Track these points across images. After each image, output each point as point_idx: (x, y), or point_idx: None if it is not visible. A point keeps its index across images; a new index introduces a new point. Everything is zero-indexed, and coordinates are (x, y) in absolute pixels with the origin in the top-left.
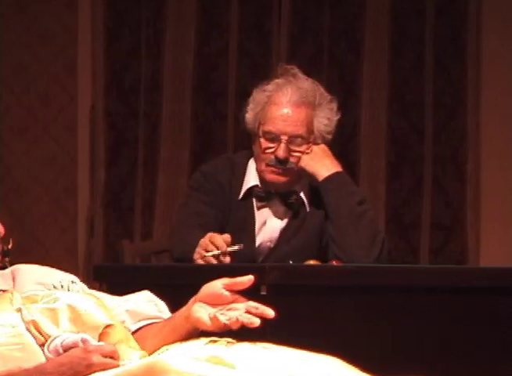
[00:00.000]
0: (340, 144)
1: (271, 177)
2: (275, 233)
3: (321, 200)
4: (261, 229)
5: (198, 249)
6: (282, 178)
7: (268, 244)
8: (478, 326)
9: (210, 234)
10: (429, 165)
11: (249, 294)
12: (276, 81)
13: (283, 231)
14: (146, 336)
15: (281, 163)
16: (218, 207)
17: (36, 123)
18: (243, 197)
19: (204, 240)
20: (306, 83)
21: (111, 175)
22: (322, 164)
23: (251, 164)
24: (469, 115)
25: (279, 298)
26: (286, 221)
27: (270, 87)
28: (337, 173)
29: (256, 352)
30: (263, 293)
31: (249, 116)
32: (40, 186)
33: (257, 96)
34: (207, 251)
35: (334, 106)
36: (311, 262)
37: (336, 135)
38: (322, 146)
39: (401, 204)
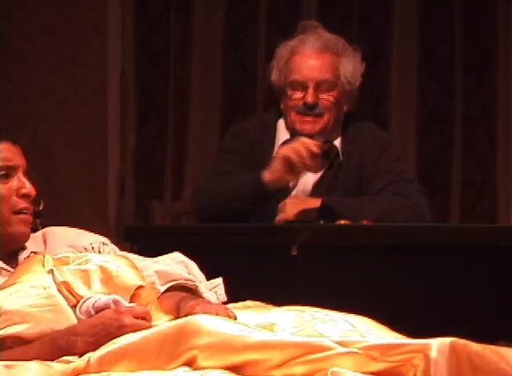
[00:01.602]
0: (371, 107)
1: (303, 127)
2: (309, 186)
3: (354, 148)
4: (294, 183)
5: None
6: (314, 128)
7: (302, 196)
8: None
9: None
10: (459, 126)
11: (280, 254)
12: (298, 36)
13: (316, 184)
14: (165, 299)
15: (310, 108)
16: (247, 168)
17: (65, 84)
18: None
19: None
20: (327, 34)
21: (141, 137)
22: (306, 203)
23: (281, 123)
24: (499, 76)
25: (309, 258)
26: (319, 173)
27: (292, 41)
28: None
29: (288, 315)
30: (294, 253)
31: (274, 73)
32: (69, 148)
33: (280, 52)
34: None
35: (358, 55)
36: (342, 222)
37: (366, 98)
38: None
39: (431, 163)
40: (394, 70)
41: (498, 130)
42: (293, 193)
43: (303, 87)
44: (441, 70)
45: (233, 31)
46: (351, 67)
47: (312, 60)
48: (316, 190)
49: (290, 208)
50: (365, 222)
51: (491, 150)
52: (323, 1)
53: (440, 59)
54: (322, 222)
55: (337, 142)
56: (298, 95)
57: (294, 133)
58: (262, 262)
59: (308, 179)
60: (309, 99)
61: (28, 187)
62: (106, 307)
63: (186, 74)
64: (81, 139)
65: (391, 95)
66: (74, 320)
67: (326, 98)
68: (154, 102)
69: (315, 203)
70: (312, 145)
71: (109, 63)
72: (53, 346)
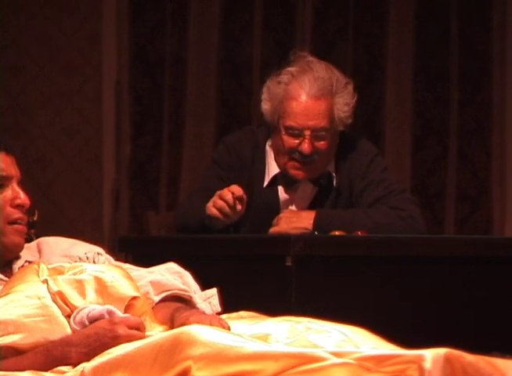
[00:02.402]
0: (366, 117)
1: (295, 173)
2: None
3: (344, 168)
4: (287, 208)
5: (214, 198)
6: (306, 175)
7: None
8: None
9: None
10: (454, 137)
11: (274, 265)
12: (290, 70)
13: (309, 208)
14: (159, 309)
15: (306, 157)
16: (234, 183)
17: (60, 94)
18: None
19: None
20: (321, 70)
21: (136, 148)
22: (300, 217)
23: (270, 150)
24: (494, 88)
25: (304, 269)
26: (312, 198)
27: (285, 78)
28: (318, 212)
29: (282, 325)
30: (288, 264)
31: (267, 108)
32: (64, 158)
33: (273, 89)
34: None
35: (351, 88)
36: (336, 233)
37: (361, 109)
38: (287, 210)
39: (426, 174)
40: (389, 81)
41: (493, 142)
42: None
43: (298, 133)
44: (436, 80)
45: (228, 43)
46: (345, 107)
47: (309, 108)
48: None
49: (284, 223)
50: (359, 233)
51: (486, 162)
52: (318, 13)
53: (435, 70)
54: (316, 233)
55: (331, 167)
56: (293, 141)
57: (286, 175)
58: (257, 273)
59: (302, 205)
60: (306, 149)
61: (23, 197)
62: (100, 317)
63: (181, 85)
64: (76, 149)
65: (386, 105)
66: (69, 330)
67: (322, 145)
68: (149, 113)
69: (310, 215)
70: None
71: (104, 73)
72: (47, 356)
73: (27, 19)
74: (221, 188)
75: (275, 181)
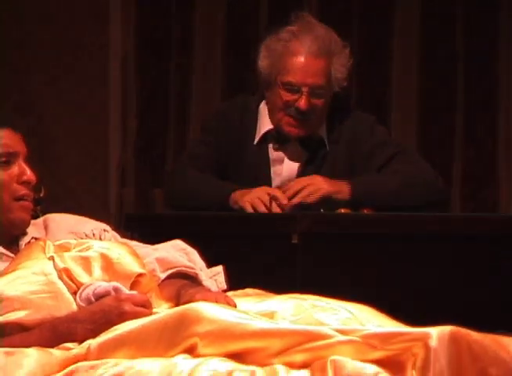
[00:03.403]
0: (372, 97)
1: (289, 129)
2: (293, 173)
3: (341, 137)
4: (278, 169)
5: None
6: (300, 132)
7: (287, 183)
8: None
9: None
10: (460, 114)
11: (281, 242)
12: (291, 28)
13: (303, 170)
14: (165, 286)
15: (302, 114)
16: (221, 148)
17: (66, 72)
18: (257, 141)
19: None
20: (321, 30)
21: (143, 125)
22: (335, 183)
23: (263, 108)
24: (501, 67)
25: (310, 247)
26: (304, 160)
27: (286, 35)
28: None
29: (288, 303)
30: (294, 241)
31: (263, 64)
32: (71, 135)
33: (273, 45)
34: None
35: (347, 51)
36: (343, 211)
37: (367, 89)
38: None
39: (432, 154)
40: (395, 56)
41: (499, 121)
42: (278, 181)
43: (296, 90)
44: (442, 60)
45: (235, 21)
46: (342, 68)
47: (309, 65)
48: (304, 174)
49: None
50: (365, 211)
51: (492, 142)
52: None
53: (441, 50)
54: (322, 211)
55: (323, 131)
56: (290, 97)
57: (280, 131)
58: (263, 250)
59: (292, 169)
60: (303, 105)
61: (29, 174)
62: (106, 294)
63: (187, 61)
64: (82, 127)
65: (392, 85)
66: (75, 307)
67: (318, 103)
68: (155, 90)
69: (344, 188)
70: (282, 198)
71: (110, 51)
72: (53, 333)
73: None
74: (207, 153)
75: (265, 139)
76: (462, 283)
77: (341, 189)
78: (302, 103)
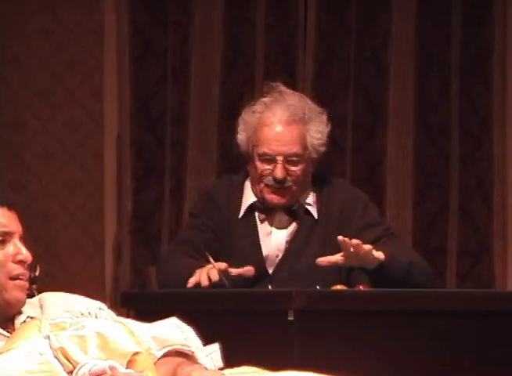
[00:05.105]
0: (367, 170)
1: (270, 197)
2: (282, 242)
3: (333, 204)
4: (266, 239)
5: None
6: (282, 199)
7: (277, 252)
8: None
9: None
10: (455, 192)
11: (276, 319)
12: (263, 100)
13: (291, 240)
14: (161, 364)
15: (279, 183)
16: (212, 229)
17: (62, 149)
18: (244, 215)
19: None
20: (294, 99)
21: (138, 202)
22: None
23: (247, 183)
24: (495, 144)
25: (306, 324)
26: (291, 230)
27: (259, 107)
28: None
29: None
30: (290, 318)
31: (241, 138)
32: (66, 213)
33: (248, 118)
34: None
35: (324, 117)
36: (338, 287)
37: (362, 162)
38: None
39: (427, 228)
40: (390, 134)
41: (494, 198)
42: (266, 250)
43: (272, 160)
44: (438, 134)
45: (230, 97)
46: (318, 134)
47: (281, 134)
48: (293, 243)
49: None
50: (361, 288)
51: (487, 217)
52: (319, 63)
53: (437, 124)
54: (318, 288)
55: (311, 200)
56: (267, 167)
57: (263, 202)
58: (259, 327)
59: (280, 239)
60: (279, 174)
61: (24, 253)
62: (102, 373)
63: (183, 139)
64: (77, 203)
65: (387, 159)
66: None
67: (295, 171)
68: (151, 167)
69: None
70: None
71: (105, 127)
72: None
73: (29, 74)
74: (198, 237)
75: (252, 212)
76: (459, 358)
77: None
78: (277, 171)
